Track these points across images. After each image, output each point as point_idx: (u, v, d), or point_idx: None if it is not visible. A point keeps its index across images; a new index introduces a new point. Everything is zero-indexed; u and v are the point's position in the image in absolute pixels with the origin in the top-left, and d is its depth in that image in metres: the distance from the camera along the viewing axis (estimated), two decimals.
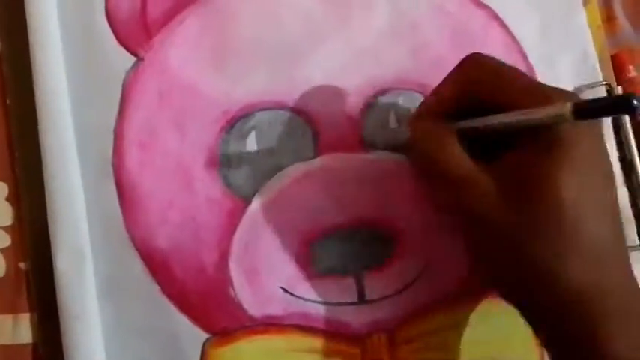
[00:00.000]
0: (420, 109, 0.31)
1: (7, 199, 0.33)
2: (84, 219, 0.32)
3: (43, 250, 0.32)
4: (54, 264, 0.32)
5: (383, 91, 0.34)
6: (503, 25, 0.35)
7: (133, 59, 0.33)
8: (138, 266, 0.32)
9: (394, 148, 0.34)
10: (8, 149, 0.33)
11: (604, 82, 0.35)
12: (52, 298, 0.31)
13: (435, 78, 0.30)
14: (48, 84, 0.32)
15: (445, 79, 0.30)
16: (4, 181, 0.33)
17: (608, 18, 0.37)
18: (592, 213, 0.26)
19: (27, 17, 0.33)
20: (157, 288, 0.32)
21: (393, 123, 0.34)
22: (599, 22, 0.36)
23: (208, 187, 0.33)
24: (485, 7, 0.35)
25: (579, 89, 0.35)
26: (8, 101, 0.33)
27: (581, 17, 0.36)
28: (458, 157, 0.28)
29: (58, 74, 0.33)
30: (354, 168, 0.33)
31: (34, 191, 0.32)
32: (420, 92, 0.34)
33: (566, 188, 0.25)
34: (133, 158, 0.32)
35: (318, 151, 0.33)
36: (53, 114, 0.32)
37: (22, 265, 0.33)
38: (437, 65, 0.32)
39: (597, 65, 0.35)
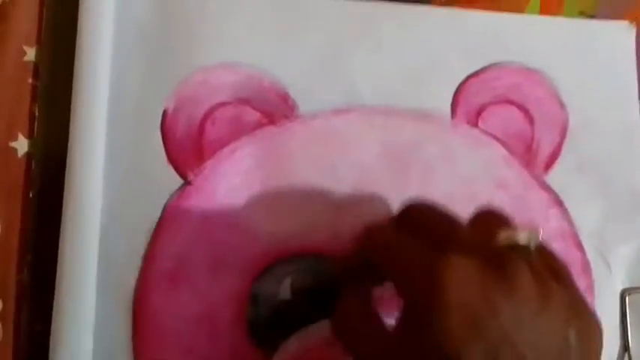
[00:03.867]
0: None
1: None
2: (89, 349, 0.29)
3: None
4: None
5: None
6: (564, 212, 0.34)
7: (180, 182, 0.31)
8: None
9: None
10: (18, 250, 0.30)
11: None
12: None
13: None
14: (81, 191, 0.30)
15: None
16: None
17: None
18: None
19: (71, 115, 0.30)
20: None
21: None
22: None
23: (233, 334, 0.30)
24: (549, 190, 0.34)
25: (627, 291, 0.34)
26: (31, 195, 0.31)
27: None
28: None
29: (94, 184, 0.30)
30: None
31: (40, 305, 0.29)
32: None
33: None
34: (158, 291, 0.30)
35: None
36: (79, 225, 0.29)
37: None
38: None
39: None
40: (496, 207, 0.27)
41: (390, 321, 0.25)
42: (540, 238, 0.25)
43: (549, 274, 0.24)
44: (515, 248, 0.24)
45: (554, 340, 0.23)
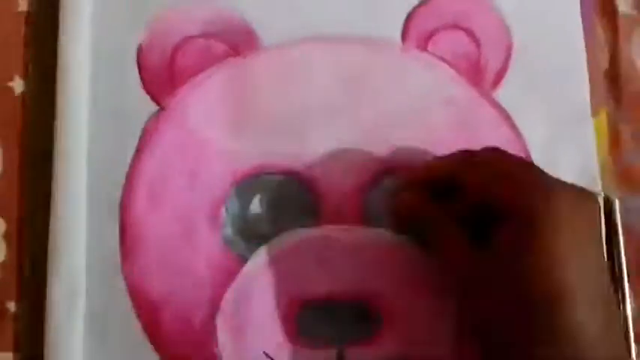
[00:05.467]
0: (408, 180, 0.33)
1: (4, 237, 0.34)
2: (82, 255, 0.33)
3: (36, 287, 0.32)
4: (47, 296, 0.32)
5: (388, 171, 0.35)
6: (513, 127, 0.36)
7: (156, 107, 0.34)
8: (128, 309, 0.32)
9: (393, 227, 0.34)
10: (19, 182, 0.34)
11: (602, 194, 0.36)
12: (39, 339, 0.32)
13: None
14: (68, 118, 0.34)
15: (445, 158, 0.32)
16: (2, 216, 0.34)
17: (615, 139, 0.38)
18: (585, 299, 0.27)
19: (58, 56, 0.34)
20: (143, 334, 0.32)
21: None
22: (605, 134, 0.37)
23: (209, 242, 0.33)
24: (498, 106, 0.36)
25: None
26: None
27: (589, 127, 0.37)
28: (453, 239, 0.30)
29: (79, 111, 0.34)
30: (352, 242, 0.34)
31: (36, 226, 0.33)
32: None
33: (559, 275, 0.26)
34: (141, 203, 0.33)
35: (319, 221, 0.34)
36: (69, 147, 0.33)
37: (9, 304, 0.33)
38: (443, 152, 0.34)
39: (598, 176, 0.36)
40: None
41: None
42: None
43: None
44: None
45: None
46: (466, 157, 0.32)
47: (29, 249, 0.33)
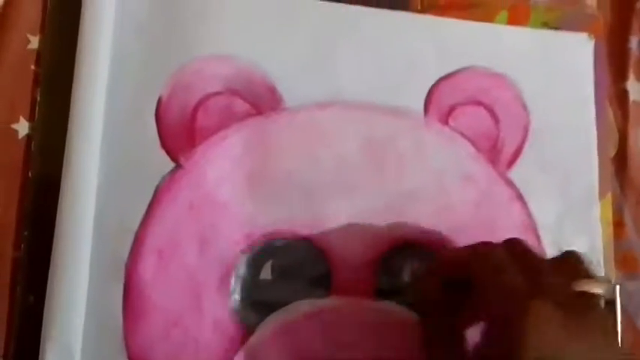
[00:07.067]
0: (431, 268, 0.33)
1: None
2: (81, 317, 0.31)
3: (30, 347, 0.30)
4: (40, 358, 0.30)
5: (402, 244, 0.34)
6: (525, 206, 0.36)
7: (172, 165, 0.33)
8: None
9: (404, 301, 0.34)
10: (16, 226, 0.32)
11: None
12: None
13: (453, 241, 0.33)
14: (78, 172, 0.32)
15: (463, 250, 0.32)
16: None
17: (618, 223, 0.38)
18: None
19: (71, 103, 0.32)
20: None
21: (406, 277, 0.34)
22: (609, 219, 0.38)
23: (217, 309, 0.32)
24: (512, 185, 0.37)
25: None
26: (30, 174, 0.32)
27: (596, 210, 0.38)
28: None
29: (90, 163, 0.32)
30: (362, 315, 0.33)
31: (34, 279, 0.31)
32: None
33: None
34: (148, 265, 0.31)
35: (330, 291, 0.33)
36: (75, 202, 0.31)
37: None
38: (457, 230, 0.34)
39: (602, 260, 0.37)
40: (578, 251, 0.30)
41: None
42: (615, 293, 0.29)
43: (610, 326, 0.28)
44: (593, 297, 0.28)
45: None
46: (479, 250, 0.31)
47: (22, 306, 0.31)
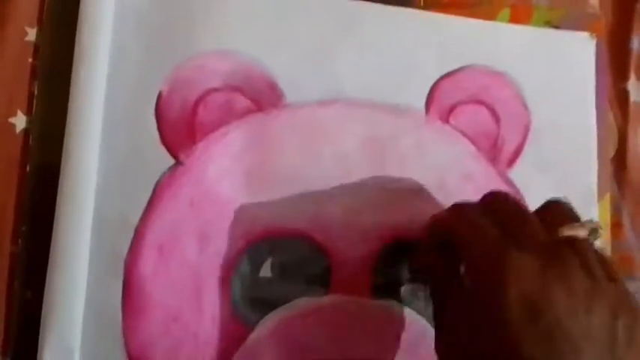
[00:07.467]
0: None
1: None
2: (80, 313, 0.30)
3: (28, 343, 0.30)
4: (39, 353, 0.30)
5: (401, 240, 0.34)
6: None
7: (172, 161, 0.32)
8: None
9: (403, 298, 0.34)
10: (14, 221, 0.32)
11: None
12: None
13: None
14: (77, 166, 0.31)
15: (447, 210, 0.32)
16: None
17: (616, 224, 0.39)
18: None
19: (70, 98, 0.32)
20: None
21: (405, 273, 0.35)
22: (607, 220, 0.38)
23: (217, 306, 0.32)
24: (512, 184, 0.37)
25: None
26: (28, 169, 0.32)
27: (595, 211, 0.38)
28: None
29: (89, 158, 0.31)
30: (360, 313, 0.33)
31: (32, 274, 0.31)
32: None
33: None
34: (148, 261, 0.31)
35: (329, 289, 0.33)
36: (74, 198, 0.31)
37: None
38: None
39: None
40: (563, 199, 0.30)
41: None
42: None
43: (601, 271, 0.27)
44: (575, 242, 0.27)
45: (603, 332, 0.25)
46: (455, 210, 0.31)
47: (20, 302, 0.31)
